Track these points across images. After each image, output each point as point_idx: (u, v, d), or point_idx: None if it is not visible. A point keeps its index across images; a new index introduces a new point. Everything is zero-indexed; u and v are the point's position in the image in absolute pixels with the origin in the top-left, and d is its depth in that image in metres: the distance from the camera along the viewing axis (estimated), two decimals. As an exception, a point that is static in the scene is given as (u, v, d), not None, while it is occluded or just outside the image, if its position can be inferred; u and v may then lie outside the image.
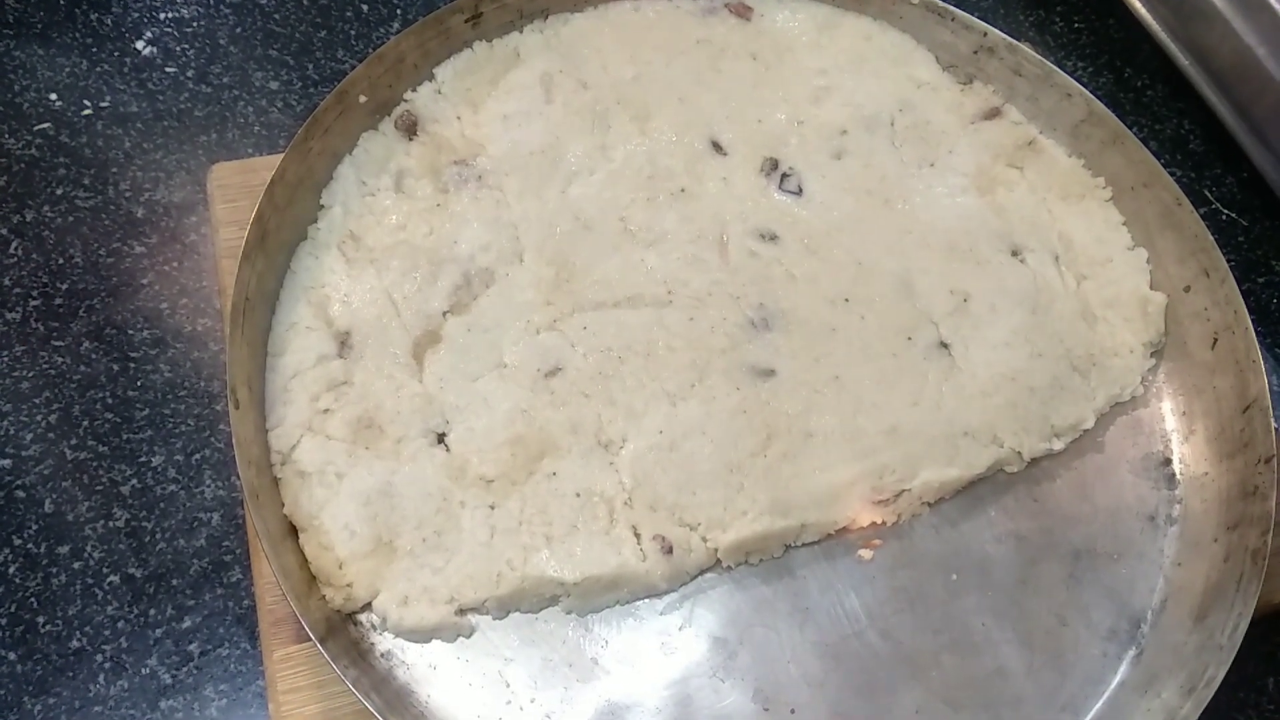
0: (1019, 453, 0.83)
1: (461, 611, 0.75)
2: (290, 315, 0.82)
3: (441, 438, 0.79)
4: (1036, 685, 0.76)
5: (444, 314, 0.83)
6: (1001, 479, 0.84)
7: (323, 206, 0.87)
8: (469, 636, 0.75)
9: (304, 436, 0.78)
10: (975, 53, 0.98)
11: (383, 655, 0.74)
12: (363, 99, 0.88)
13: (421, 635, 0.74)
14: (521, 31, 0.97)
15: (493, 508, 0.77)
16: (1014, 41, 0.95)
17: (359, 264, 0.85)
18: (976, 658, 0.77)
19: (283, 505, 0.76)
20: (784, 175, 0.92)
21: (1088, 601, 0.79)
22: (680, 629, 0.77)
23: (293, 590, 0.70)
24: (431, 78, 0.93)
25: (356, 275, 0.84)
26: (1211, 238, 0.86)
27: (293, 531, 0.76)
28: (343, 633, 0.74)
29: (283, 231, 0.83)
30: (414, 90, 0.92)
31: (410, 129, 0.91)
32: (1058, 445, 0.84)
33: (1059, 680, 0.77)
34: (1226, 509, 0.81)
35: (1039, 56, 0.95)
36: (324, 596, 0.74)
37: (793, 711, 0.74)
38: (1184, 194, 0.88)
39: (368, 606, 0.75)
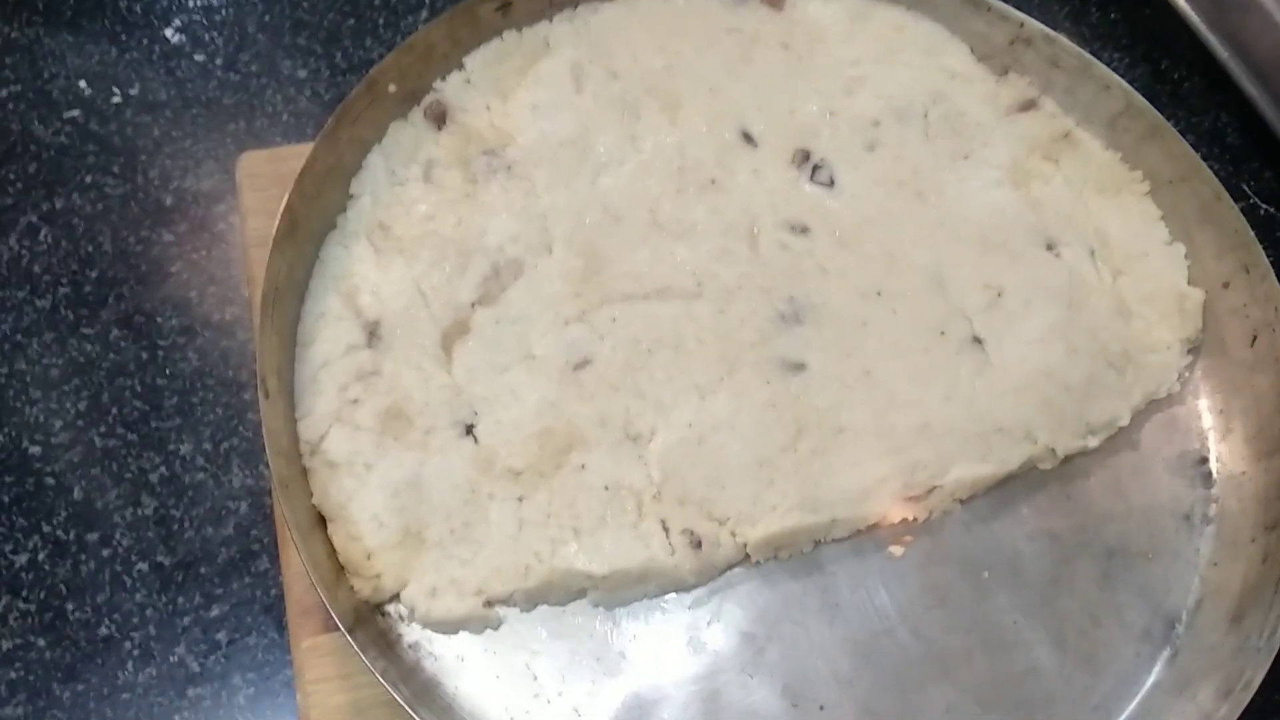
0: (1053, 450, 0.82)
1: (489, 603, 0.75)
2: (319, 305, 0.82)
3: (470, 429, 0.79)
4: (1068, 685, 0.76)
5: (472, 305, 0.83)
6: (1034, 476, 0.83)
7: (352, 196, 0.87)
8: (496, 629, 0.75)
9: (333, 427, 0.78)
10: (1011, 43, 0.96)
11: (410, 646, 0.74)
12: (392, 88, 0.88)
13: (449, 627, 0.74)
14: (551, 21, 0.96)
15: (521, 500, 0.77)
16: (1051, 32, 0.94)
17: (388, 254, 0.85)
18: (1008, 657, 0.76)
19: (311, 495, 0.76)
20: (815, 167, 0.91)
21: (1121, 601, 0.79)
22: (709, 624, 0.76)
23: (321, 580, 0.70)
24: (461, 67, 0.93)
25: (385, 265, 0.84)
26: (1252, 233, 0.85)
27: (321, 522, 0.76)
28: (371, 623, 0.74)
29: (312, 221, 0.83)
30: (443, 79, 0.92)
31: (439, 118, 0.91)
32: (1092, 442, 0.83)
33: (1092, 681, 0.76)
34: (1265, 509, 0.80)
35: (1077, 48, 0.93)
36: (352, 587, 0.74)
37: (822, 708, 0.74)
38: (1223, 188, 0.87)
39: (396, 597, 0.75)
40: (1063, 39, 0.94)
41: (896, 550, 0.79)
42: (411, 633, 0.75)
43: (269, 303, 0.77)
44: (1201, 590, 0.79)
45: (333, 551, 0.75)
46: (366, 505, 0.75)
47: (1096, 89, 0.94)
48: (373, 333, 0.82)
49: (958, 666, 0.76)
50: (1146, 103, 0.91)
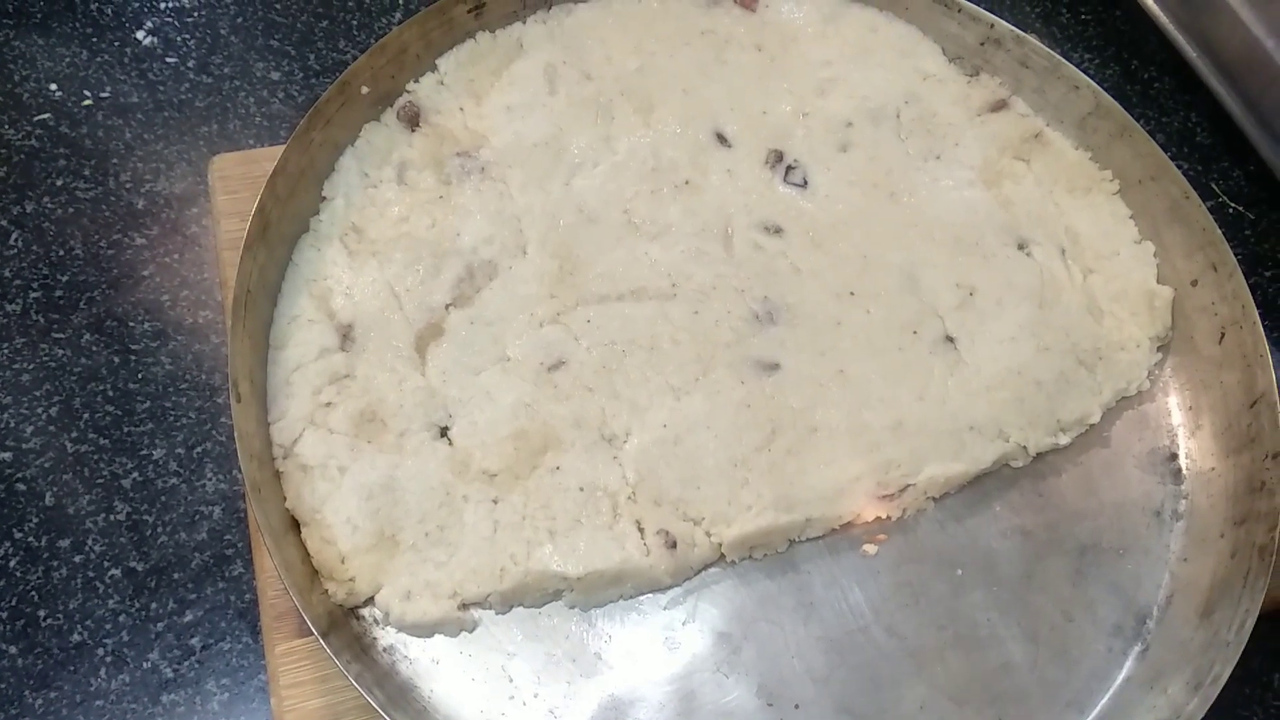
0: (1024, 447, 0.83)
1: (464, 606, 0.74)
2: (292, 308, 0.82)
3: (444, 431, 0.79)
4: (1042, 681, 0.76)
5: (446, 307, 0.83)
6: (1007, 474, 0.84)
7: (324, 198, 0.86)
8: (472, 631, 0.75)
9: (306, 430, 0.78)
10: (982, 44, 0.97)
11: (385, 650, 0.74)
12: (365, 90, 0.88)
13: (424, 630, 0.74)
14: (525, 22, 0.96)
15: (496, 502, 0.77)
16: (1021, 33, 0.95)
17: (361, 256, 0.84)
18: (981, 653, 0.77)
19: (285, 499, 0.76)
20: (789, 168, 0.92)
21: (1093, 597, 0.79)
22: (684, 624, 0.76)
23: (295, 584, 0.70)
24: (434, 68, 0.93)
25: (359, 267, 0.84)
26: (1219, 232, 0.86)
27: (295, 525, 0.75)
28: (345, 627, 0.74)
29: (284, 223, 0.83)
30: (416, 81, 0.92)
31: (413, 120, 0.90)
32: (1064, 440, 0.84)
33: (1064, 676, 0.77)
34: (1233, 504, 0.81)
35: (1046, 48, 0.94)
36: (326, 591, 0.73)
37: (797, 707, 0.74)
38: (1191, 187, 0.88)
39: (370, 601, 0.74)
40: (1032, 40, 0.95)
41: (870, 549, 0.80)
42: (386, 636, 0.74)
43: (241, 306, 0.77)
44: (1172, 586, 0.80)
45: (306, 556, 0.74)
46: (340, 508, 0.75)
47: (1066, 89, 0.94)
48: (346, 335, 0.81)
49: (932, 664, 0.76)
50: (1115, 103, 0.92)
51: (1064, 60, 0.93)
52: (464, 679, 0.73)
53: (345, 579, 0.74)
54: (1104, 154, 0.94)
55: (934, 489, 0.81)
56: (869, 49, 0.99)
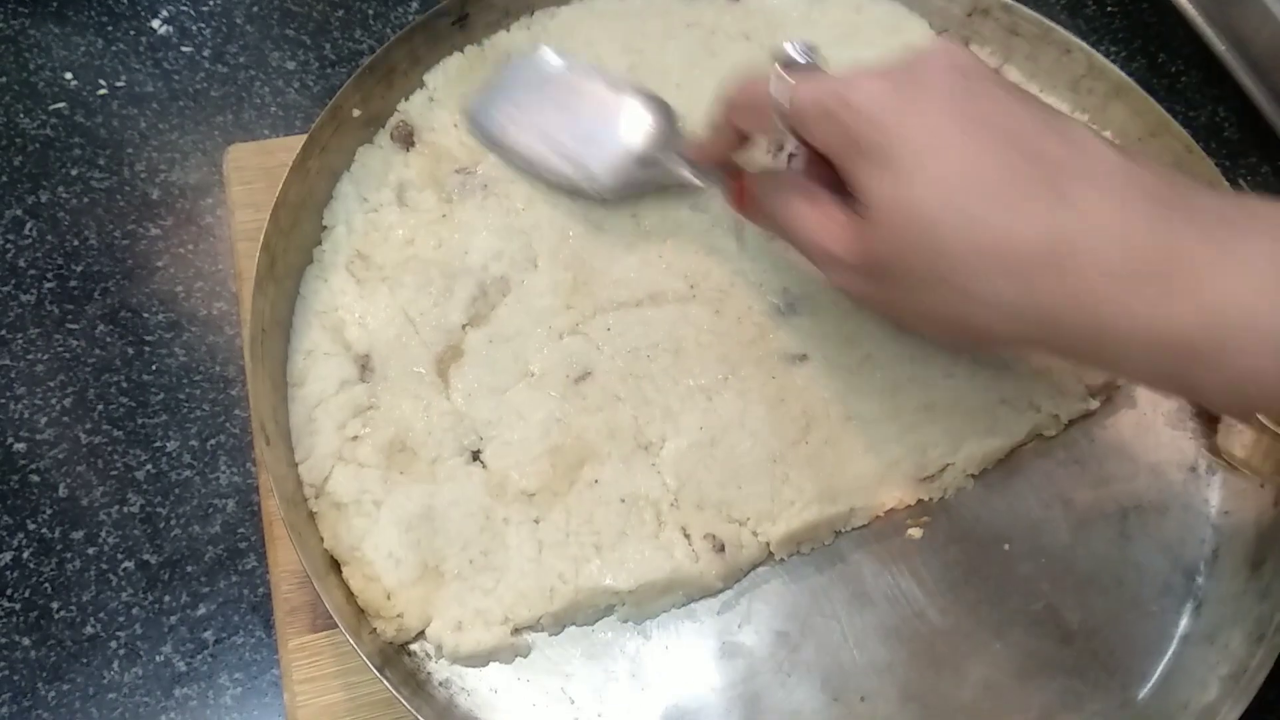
0: (1056, 415, 0.72)
1: (517, 631, 0.63)
2: (306, 342, 0.68)
3: (477, 455, 0.66)
4: (1100, 649, 0.66)
5: (463, 327, 0.70)
6: (1042, 445, 0.73)
7: (325, 227, 0.74)
8: (526, 656, 0.63)
9: (335, 466, 0.65)
10: (969, 15, 0.85)
11: (441, 684, 0.63)
12: (356, 112, 0.74)
13: (479, 659, 0.62)
14: (510, 30, 0.81)
15: (538, 521, 0.66)
16: (1009, 1, 0.90)
17: (370, 283, 0.73)
18: (1038, 626, 0.65)
19: (323, 540, 0.67)
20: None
21: (1140, 559, 0.68)
22: (740, 627, 0.65)
23: (347, 625, 0.58)
24: (423, 85, 0.83)
25: (369, 295, 0.71)
26: (1226, 183, 0.76)
27: (336, 566, 0.66)
28: (398, 664, 0.62)
29: (290, 255, 0.68)
30: (406, 99, 0.78)
31: (407, 139, 0.80)
32: (1093, 404, 0.73)
33: (1122, 641, 0.66)
34: (1270, 452, 0.74)
35: (1035, 14, 0.82)
36: (375, 630, 0.66)
37: (863, 699, 0.64)
38: (1194, 141, 0.81)
39: (420, 636, 0.64)
40: (1020, 7, 0.81)
41: (915, 532, 0.70)
42: (440, 670, 0.62)
43: (257, 345, 0.62)
44: (1216, 539, 0.70)
45: (351, 594, 0.65)
46: (380, 544, 0.62)
47: (1058, 54, 0.83)
48: (364, 365, 0.70)
49: (990, 641, 0.65)
50: (1108, 62, 0.78)
51: (1054, 25, 0.79)
52: (525, 705, 0.62)
53: (393, 615, 0.61)
54: (1101, 115, 0.82)
55: (972, 466, 0.70)
56: (856, 28, 0.86)
